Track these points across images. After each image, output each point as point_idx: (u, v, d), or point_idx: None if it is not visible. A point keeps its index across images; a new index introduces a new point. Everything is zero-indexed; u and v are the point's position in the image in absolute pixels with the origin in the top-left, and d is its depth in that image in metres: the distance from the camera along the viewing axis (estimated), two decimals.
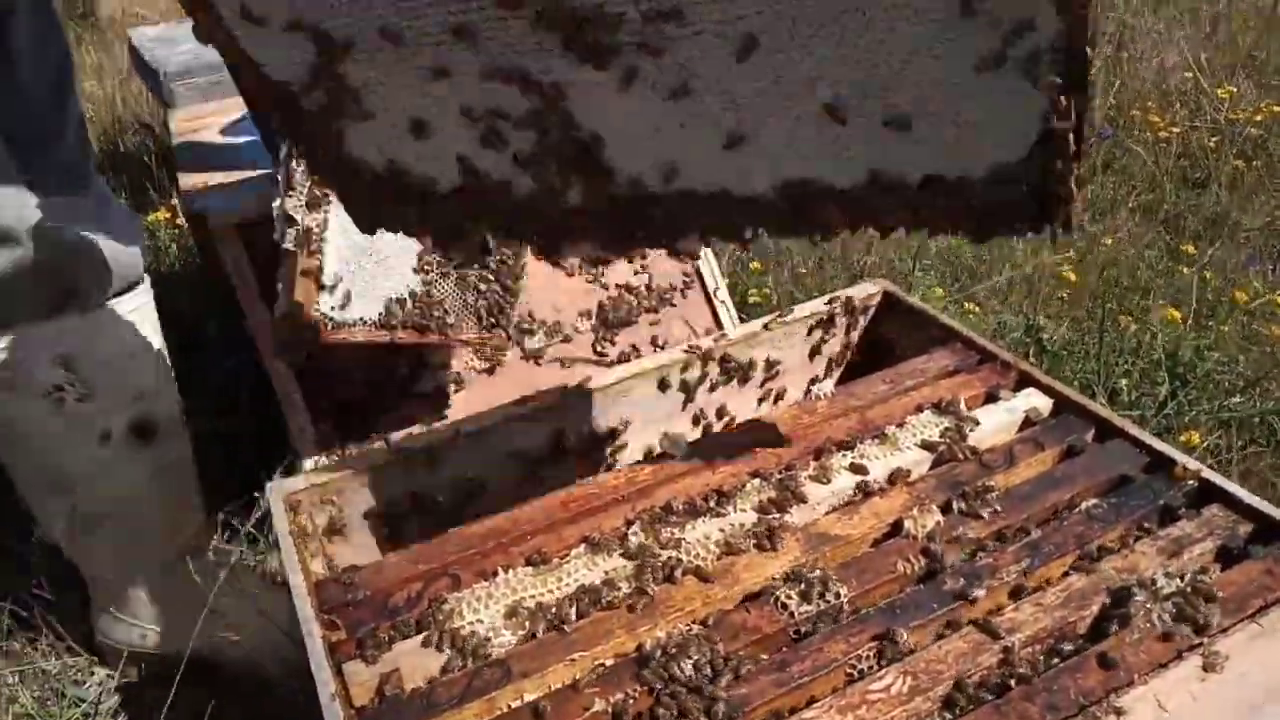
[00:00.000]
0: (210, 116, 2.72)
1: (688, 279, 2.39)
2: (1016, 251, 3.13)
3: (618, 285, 2.34)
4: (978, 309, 2.81)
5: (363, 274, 1.74)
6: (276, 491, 1.49)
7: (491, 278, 1.92)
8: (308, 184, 1.65)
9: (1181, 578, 1.22)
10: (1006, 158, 1.07)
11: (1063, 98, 0.98)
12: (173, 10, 5.19)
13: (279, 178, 1.67)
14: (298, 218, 1.63)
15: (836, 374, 1.94)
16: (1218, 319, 2.73)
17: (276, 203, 1.65)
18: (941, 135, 1.07)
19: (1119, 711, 1.06)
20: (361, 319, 1.74)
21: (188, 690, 1.94)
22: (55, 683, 2.04)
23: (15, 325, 1.61)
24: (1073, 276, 2.90)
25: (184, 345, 2.73)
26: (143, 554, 1.94)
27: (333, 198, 1.64)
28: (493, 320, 1.95)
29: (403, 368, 2.13)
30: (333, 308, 1.69)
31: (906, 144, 1.09)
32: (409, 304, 1.81)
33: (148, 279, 1.80)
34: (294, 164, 1.64)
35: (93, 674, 2.06)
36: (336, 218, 1.67)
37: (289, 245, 1.63)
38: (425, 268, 1.84)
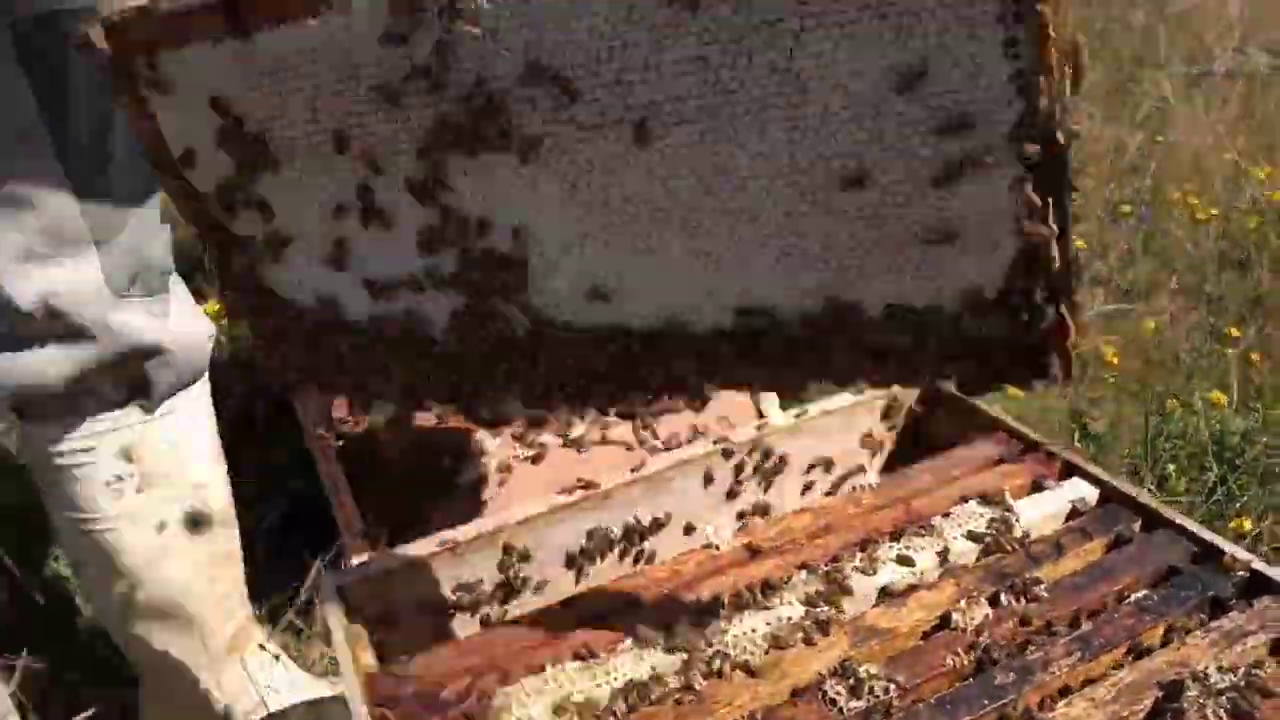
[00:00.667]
0: None
1: None
2: None
3: None
4: (1020, 394, 2.80)
5: None
6: (328, 582, 1.52)
7: None
8: None
9: (1235, 671, 1.20)
10: (979, 280, 0.93)
11: (1036, 195, 0.85)
12: None
13: None
14: None
15: (879, 463, 1.95)
16: (1264, 402, 2.71)
17: None
18: (901, 249, 0.94)
19: None
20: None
21: None
22: None
23: (83, 415, 1.68)
24: (1115, 360, 2.90)
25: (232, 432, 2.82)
26: (192, 645, 1.97)
27: None
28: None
29: (445, 459, 2.17)
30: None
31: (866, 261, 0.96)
32: None
33: (205, 372, 1.87)
34: None
35: None
36: None
37: None
38: None
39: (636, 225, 1.03)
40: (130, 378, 1.69)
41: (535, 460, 2.29)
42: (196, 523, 1.88)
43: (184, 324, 1.76)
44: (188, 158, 1.13)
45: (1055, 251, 0.88)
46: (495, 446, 2.20)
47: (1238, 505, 2.30)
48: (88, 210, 1.57)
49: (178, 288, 1.80)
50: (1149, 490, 1.61)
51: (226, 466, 1.94)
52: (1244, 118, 4.84)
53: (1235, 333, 3.07)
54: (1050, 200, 0.87)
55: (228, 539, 1.96)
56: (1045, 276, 0.90)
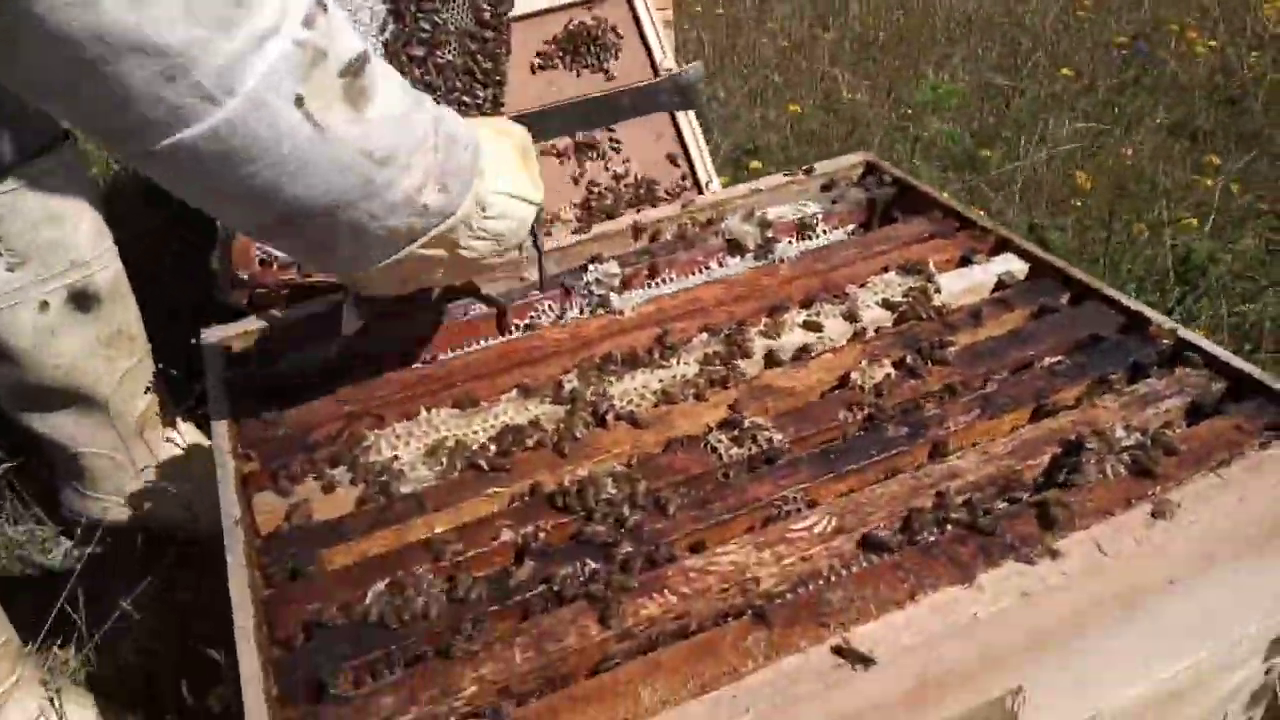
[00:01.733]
0: None
1: (683, 178, 2.28)
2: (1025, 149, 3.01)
3: (606, 174, 2.25)
4: (983, 213, 2.69)
5: None
6: (210, 338, 1.44)
7: None
8: None
9: (1143, 431, 1.13)
10: None
11: None
12: None
13: None
14: None
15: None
16: (1236, 232, 2.59)
17: None
18: None
19: (1054, 554, 0.99)
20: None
21: (147, 561, 1.94)
22: (22, 551, 2.04)
23: None
24: (1087, 185, 2.77)
25: (175, 229, 2.71)
26: (96, 427, 1.91)
27: None
28: None
29: None
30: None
31: None
32: None
33: (73, 140, 1.74)
34: None
35: (59, 544, 2.06)
36: None
37: None
38: None
39: None
40: None
41: None
42: (82, 301, 1.78)
43: None
44: None
45: None
46: None
47: (1195, 326, 2.21)
48: None
49: None
50: None
51: (112, 240, 1.82)
52: None
53: (1216, 161, 2.93)
54: None
55: (122, 315, 1.86)
56: None
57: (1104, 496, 1.06)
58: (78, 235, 1.73)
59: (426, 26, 1.54)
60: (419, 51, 1.56)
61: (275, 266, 1.61)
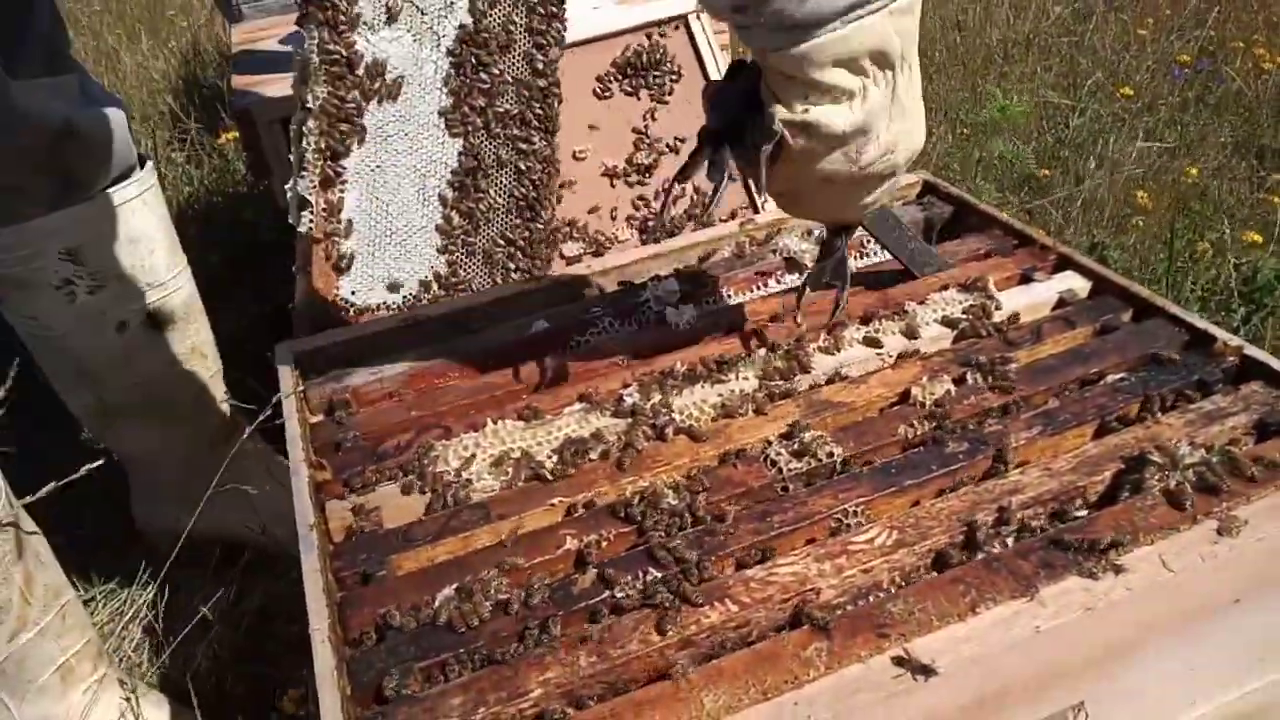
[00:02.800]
0: (271, 29, 2.75)
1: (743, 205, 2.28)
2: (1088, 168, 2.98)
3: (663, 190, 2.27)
4: (1045, 231, 2.67)
5: (383, 256, 1.68)
6: (284, 350, 1.50)
7: (520, 255, 1.79)
8: (320, 162, 1.57)
9: (1208, 449, 1.13)
10: None
11: None
12: None
13: (290, 157, 1.58)
14: (311, 199, 1.57)
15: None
16: None
17: (289, 184, 1.58)
18: None
19: (1118, 569, 0.99)
20: (384, 303, 1.69)
21: (220, 568, 2.00)
22: (100, 557, 2.12)
23: (19, 220, 1.63)
24: (1147, 203, 2.74)
25: (241, 252, 2.80)
26: (171, 441, 1.98)
27: (347, 175, 1.58)
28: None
29: None
30: (353, 292, 1.65)
31: None
32: (434, 286, 1.72)
33: (150, 166, 1.80)
34: (306, 141, 1.55)
35: (132, 553, 2.13)
36: (353, 196, 1.61)
37: (304, 228, 1.58)
38: (449, 248, 1.72)
39: None
40: (51, 168, 1.61)
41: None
42: (159, 321, 1.85)
43: (96, 104, 1.67)
44: None
45: None
46: None
47: (1260, 345, 2.17)
48: None
49: (83, 72, 1.70)
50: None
51: (185, 261, 1.90)
52: None
53: None
54: None
55: (196, 333, 1.93)
56: None
57: (1168, 513, 1.05)
58: (154, 258, 1.80)
59: (485, 78, 1.62)
60: (480, 101, 1.63)
61: (353, 312, 1.66)
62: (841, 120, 1.04)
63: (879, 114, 1.05)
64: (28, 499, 1.38)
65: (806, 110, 1.03)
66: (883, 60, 1.01)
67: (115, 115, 1.70)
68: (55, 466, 1.43)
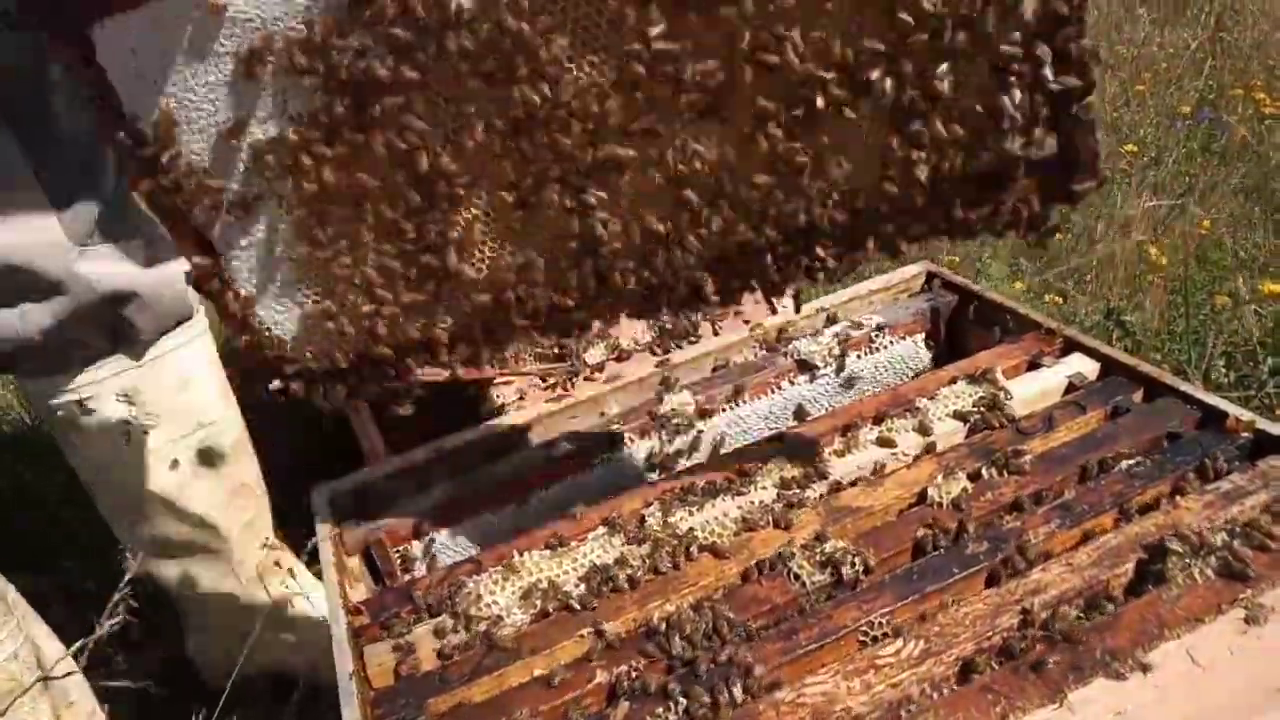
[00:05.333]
0: None
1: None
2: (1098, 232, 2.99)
3: None
4: (1060, 300, 2.69)
5: None
6: (320, 494, 1.54)
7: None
8: None
9: (1229, 531, 1.13)
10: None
11: None
12: None
13: None
14: None
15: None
16: None
17: None
18: None
19: (1145, 667, 0.98)
20: None
21: (271, 701, 2.02)
22: (154, 692, 2.15)
23: (78, 366, 1.72)
24: (1161, 259, 2.75)
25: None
26: (222, 575, 2.03)
27: None
28: (555, 349, 1.93)
29: (469, 389, 2.17)
30: None
31: None
32: None
33: (202, 313, 1.89)
34: None
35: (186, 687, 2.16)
36: None
37: None
38: None
39: None
40: (109, 324, 1.71)
41: (553, 388, 2.27)
42: (209, 458, 1.92)
43: (156, 267, 1.78)
44: None
45: None
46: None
47: None
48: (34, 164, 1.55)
49: (150, 230, 1.80)
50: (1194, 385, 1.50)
51: (235, 400, 1.97)
52: None
53: None
54: None
55: (244, 471, 2.00)
56: None
57: (1193, 603, 1.05)
58: (205, 398, 1.89)
59: None
60: None
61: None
62: None
63: None
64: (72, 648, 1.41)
65: None
66: None
67: (175, 272, 1.78)
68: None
